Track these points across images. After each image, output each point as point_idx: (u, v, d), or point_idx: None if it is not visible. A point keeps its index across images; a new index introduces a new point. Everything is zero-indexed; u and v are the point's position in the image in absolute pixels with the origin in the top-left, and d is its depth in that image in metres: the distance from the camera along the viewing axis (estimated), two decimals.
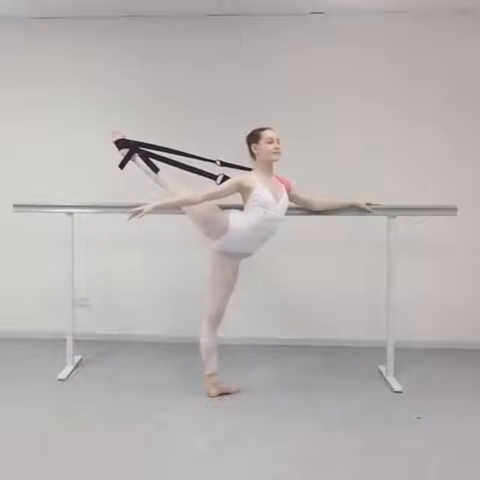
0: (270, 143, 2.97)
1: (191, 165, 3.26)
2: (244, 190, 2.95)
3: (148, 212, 2.83)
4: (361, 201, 3.28)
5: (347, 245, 4.08)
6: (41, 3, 3.93)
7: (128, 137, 3.33)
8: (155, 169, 3.23)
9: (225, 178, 3.15)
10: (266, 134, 2.98)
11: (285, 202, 3.05)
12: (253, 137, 3.02)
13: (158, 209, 2.88)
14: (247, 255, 3.11)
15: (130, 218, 2.86)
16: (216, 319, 3.12)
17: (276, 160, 3.01)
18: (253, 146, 3.01)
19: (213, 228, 3.02)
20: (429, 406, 3.04)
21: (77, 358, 3.68)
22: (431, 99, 4.08)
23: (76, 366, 3.61)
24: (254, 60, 4.13)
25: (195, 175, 3.25)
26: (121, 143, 3.31)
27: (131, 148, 3.27)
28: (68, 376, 3.44)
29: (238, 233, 2.97)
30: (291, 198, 3.15)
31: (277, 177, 3.09)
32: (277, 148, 2.98)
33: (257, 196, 2.92)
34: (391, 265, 3.42)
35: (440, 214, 3.46)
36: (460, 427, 2.80)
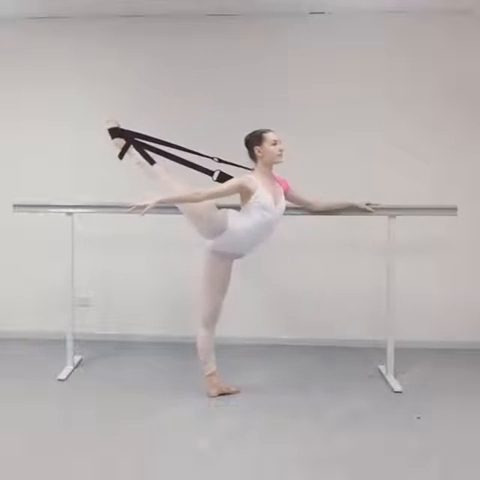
0: (274, 145, 2.97)
1: (186, 159, 3.21)
2: (245, 191, 2.94)
3: (152, 207, 2.77)
4: (360, 202, 3.28)
5: (347, 245, 4.09)
6: (41, 3, 3.93)
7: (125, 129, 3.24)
8: (151, 161, 3.18)
9: (222, 174, 3.15)
10: (270, 136, 2.98)
11: (283, 204, 3.05)
12: (256, 139, 3.00)
13: (161, 203, 2.82)
14: (239, 256, 3.10)
15: (132, 210, 2.82)
16: (211, 319, 3.11)
17: (281, 162, 3.01)
18: (256, 149, 2.99)
19: (209, 227, 3.00)
20: (429, 406, 3.04)
21: (77, 358, 3.68)
22: (431, 99, 4.07)
23: (76, 366, 3.61)
24: (254, 60, 4.13)
25: (188, 171, 3.18)
26: (115, 132, 3.24)
27: (126, 138, 3.20)
28: (68, 376, 3.44)
29: (236, 234, 2.96)
30: (290, 199, 3.15)
31: (275, 177, 3.09)
32: (281, 150, 2.98)
33: (258, 198, 2.91)
34: (391, 265, 3.42)
35: (440, 214, 3.46)
36: (460, 427, 2.80)
